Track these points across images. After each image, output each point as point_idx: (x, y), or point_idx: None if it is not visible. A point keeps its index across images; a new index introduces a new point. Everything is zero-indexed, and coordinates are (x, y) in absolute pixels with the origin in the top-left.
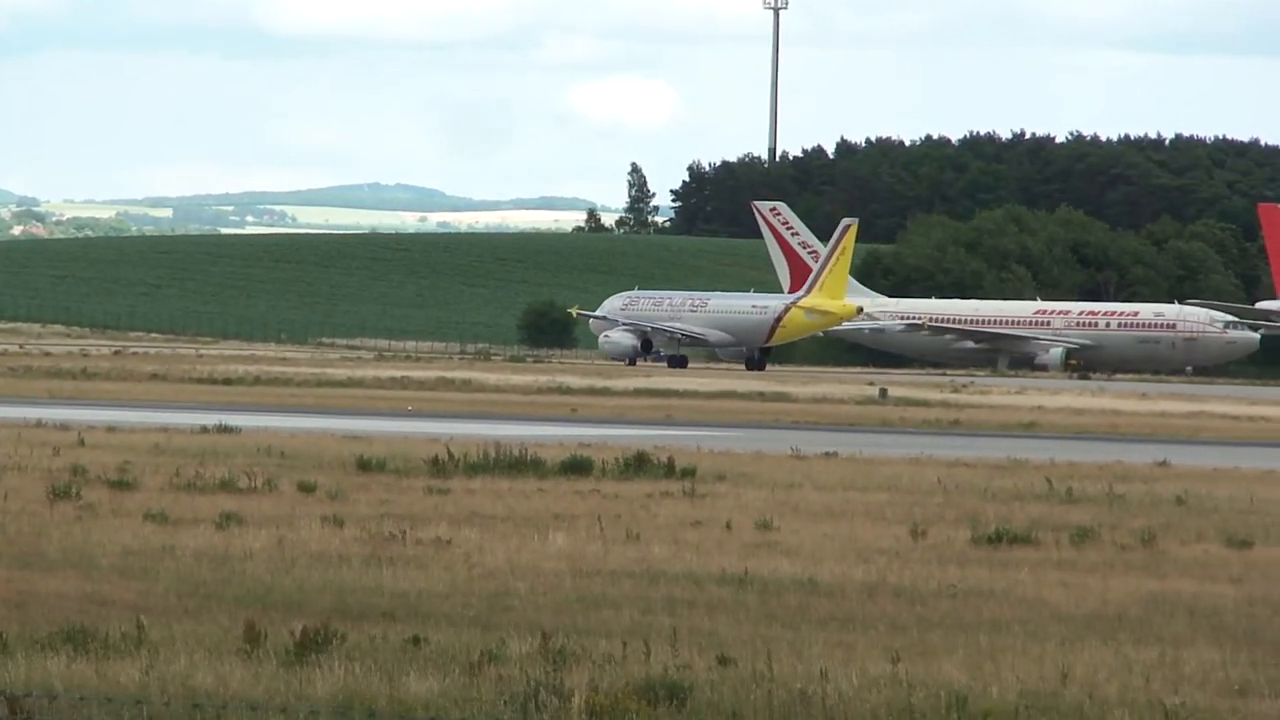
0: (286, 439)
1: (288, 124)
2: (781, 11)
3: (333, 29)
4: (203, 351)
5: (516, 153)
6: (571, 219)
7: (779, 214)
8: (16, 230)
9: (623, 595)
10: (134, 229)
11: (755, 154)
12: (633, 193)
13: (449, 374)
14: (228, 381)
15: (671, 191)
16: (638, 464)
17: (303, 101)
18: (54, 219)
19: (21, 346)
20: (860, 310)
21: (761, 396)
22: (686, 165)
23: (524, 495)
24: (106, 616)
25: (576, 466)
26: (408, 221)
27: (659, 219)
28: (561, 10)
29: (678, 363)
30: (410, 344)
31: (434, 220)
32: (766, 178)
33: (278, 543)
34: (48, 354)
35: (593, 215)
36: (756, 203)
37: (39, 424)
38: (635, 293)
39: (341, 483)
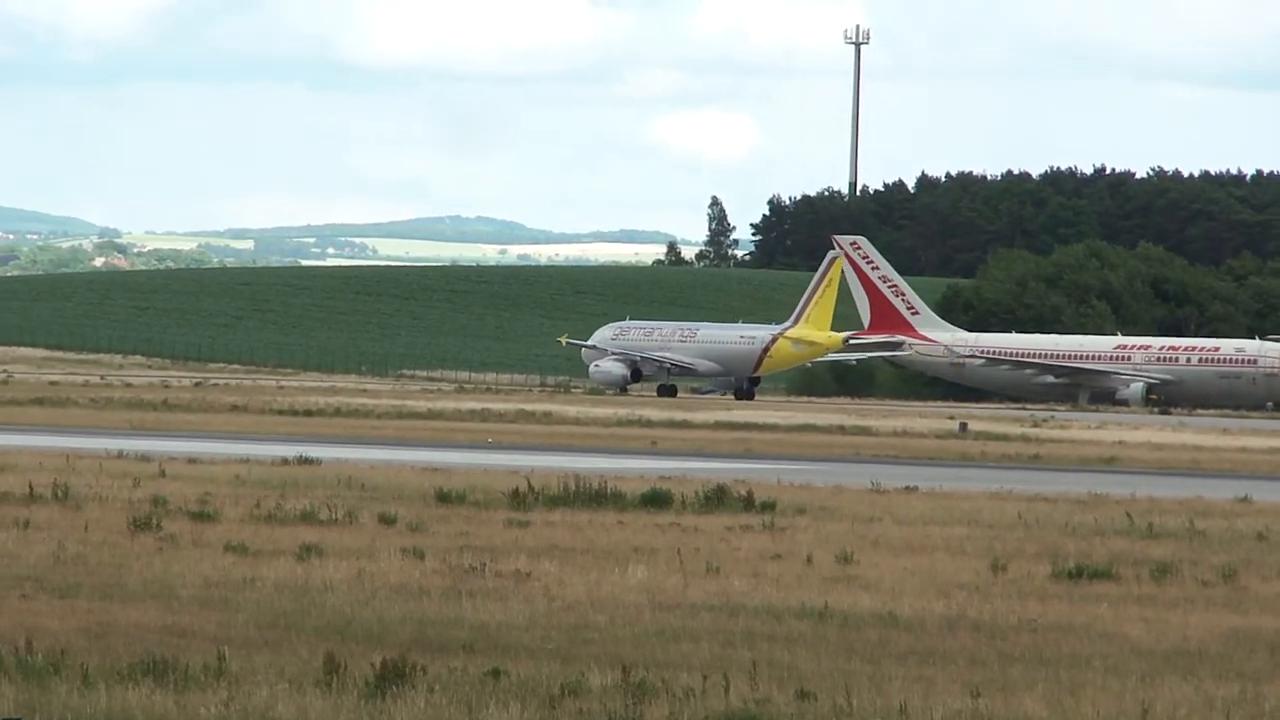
0: (367, 471)
1: (369, 156)
2: (863, 46)
3: (415, 61)
4: (283, 383)
5: (597, 185)
6: (652, 252)
7: (859, 248)
8: (98, 261)
9: (702, 628)
10: (215, 261)
11: (836, 188)
12: (713, 226)
13: (529, 406)
14: (308, 413)
15: (751, 225)
16: (718, 497)
17: (384, 133)
18: (135, 250)
19: (103, 377)
20: (846, 341)
21: (842, 430)
22: (767, 198)
23: (604, 528)
24: (187, 648)
25: (656, 499)
26: (488, 254)
27: (739, 252)
28: (643, 43)
29: (666, 392)
30: (490, 376)
31: (514, 253)
32: (847, 211)
33: (358, 574)
34: (129, 385)
35: (673, 248)
36: (837, 236)
37: (120, 455)
38: (626, 323)
39: (422, 515)
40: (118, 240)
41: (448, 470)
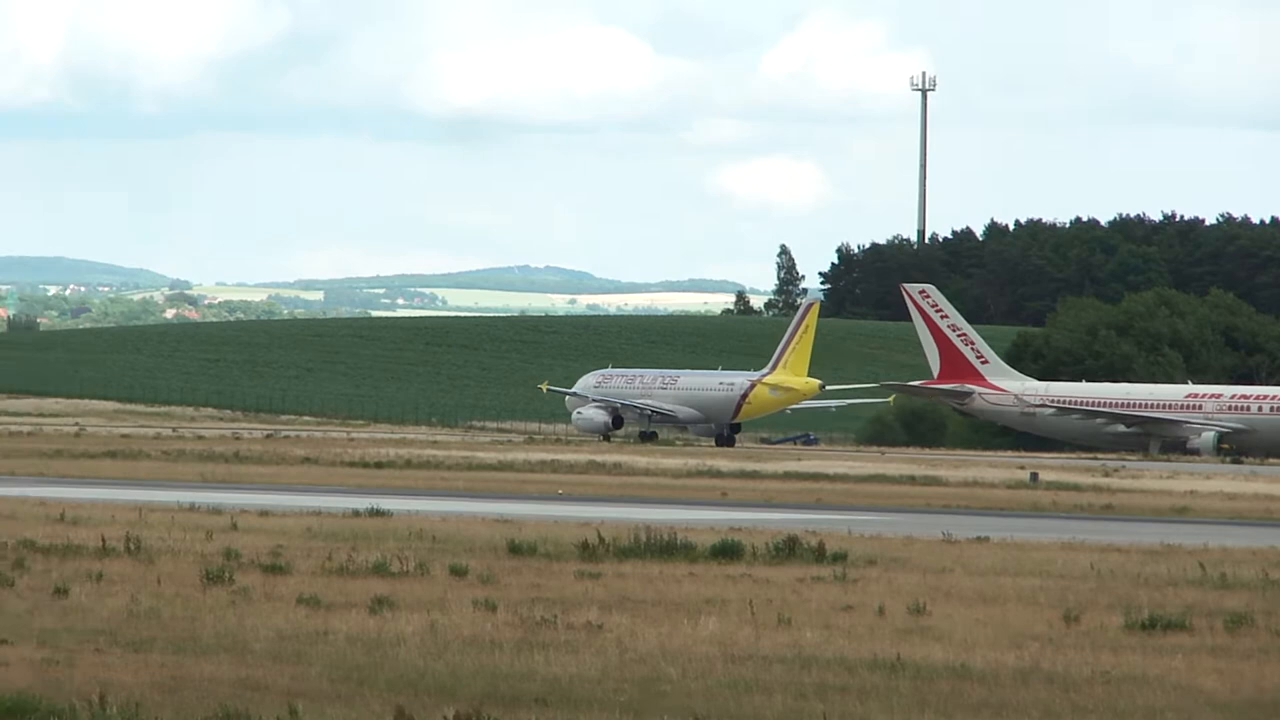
0: (438, 523)
1: (438, 207)
2: (929, 93)
3: (482, 111)
4: (354, 435)
5: (665, 235)
6: (720, 301)
7: (928, 296)
8: (169, 313)
9: (774, 680)
10: (285, 312)
11: (904, 235)
12: (781, 274)
13: (599, 457)
14: (379, 465)
15: (820, 273)
16: (789, 548)
17: (453, 184)
18: (206, 302)
19: (175, 430)
20: (823, 386)
21: (912, 480)
22: (835, 247)
23: (675, 580)
24: (260, 701)
25: (727, 551)
26: (557, 304)
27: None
28: (709, 92)
29: (647, 438)
30: (560, 427)
31: (583, 303)
32: (915, 259)
33: (430, 627)
34: (200, 437)
35: (741, 297)
36: (906, 285)
37: (192, 508)
38: (609, 370)
39: (493, 567)
40: (188, 292)
41: (518, 522)
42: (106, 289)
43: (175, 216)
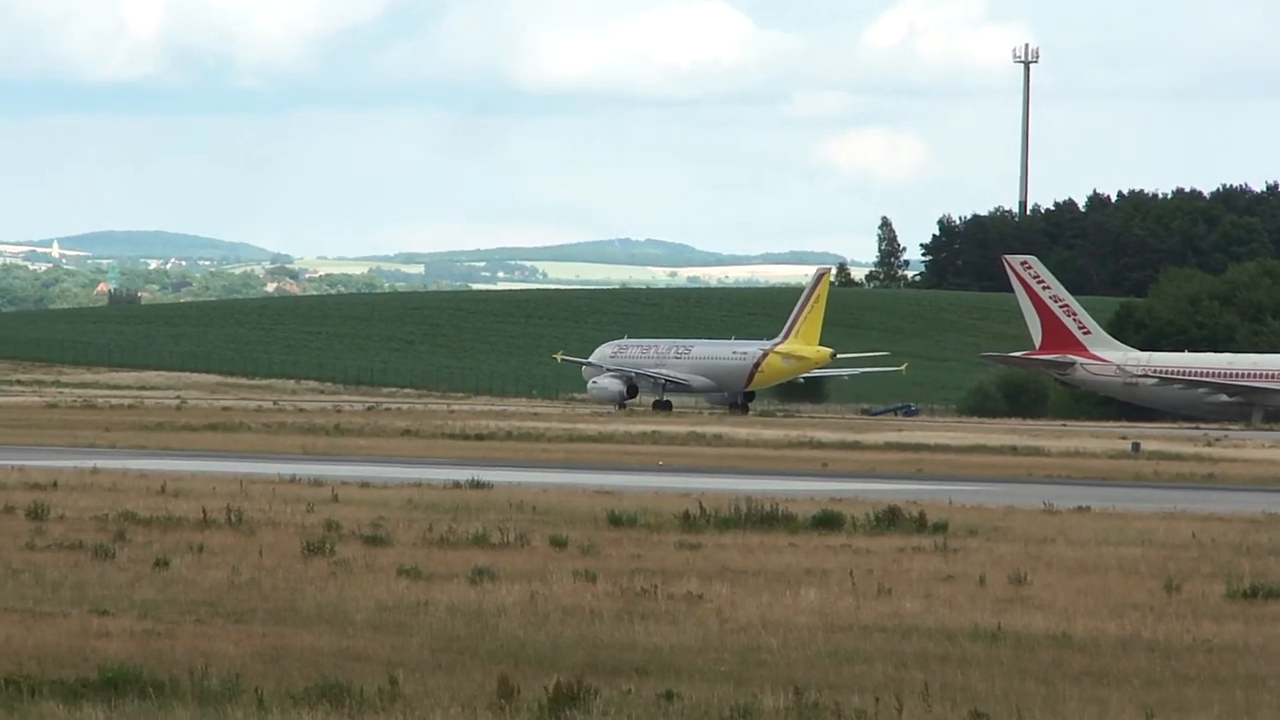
0: (538, 494)
1: (539, 180)
2: (1032, 65)
3: (583, 85)
4: (454, 407)
5: (766, 207)
6: None
7: (1030, 268)
8: (270, 287)
9: (875, 650)
10: (386, 285)
11: (1006, 207)
12: (883, 246)
13: (700, 428)
14: (480, 437)
15: (922, 245)
16: (889, 519)
17: (554, 157)
18: (307, 276)
19: (275, 403)
20: (833, 355)
21: (1014, 451)
22: (937, 219)
23: (775, 550)
24: (361, 672)
25: (828, 521)
26: (658, 277)
27: (909, 273)
28: (811, 65)
29: (662, 406)
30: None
31: (684, 275)
32: (1017, 231)
33: (530, 598)
34: (301, 410)
35: (843, 269)
36: (1007, 256)
37: (293, 480)
38: (625, 340)
39: (593, 538)
40: (289, 266)
41: (619, 493)
42: (207, 263)
43: (276, 190)
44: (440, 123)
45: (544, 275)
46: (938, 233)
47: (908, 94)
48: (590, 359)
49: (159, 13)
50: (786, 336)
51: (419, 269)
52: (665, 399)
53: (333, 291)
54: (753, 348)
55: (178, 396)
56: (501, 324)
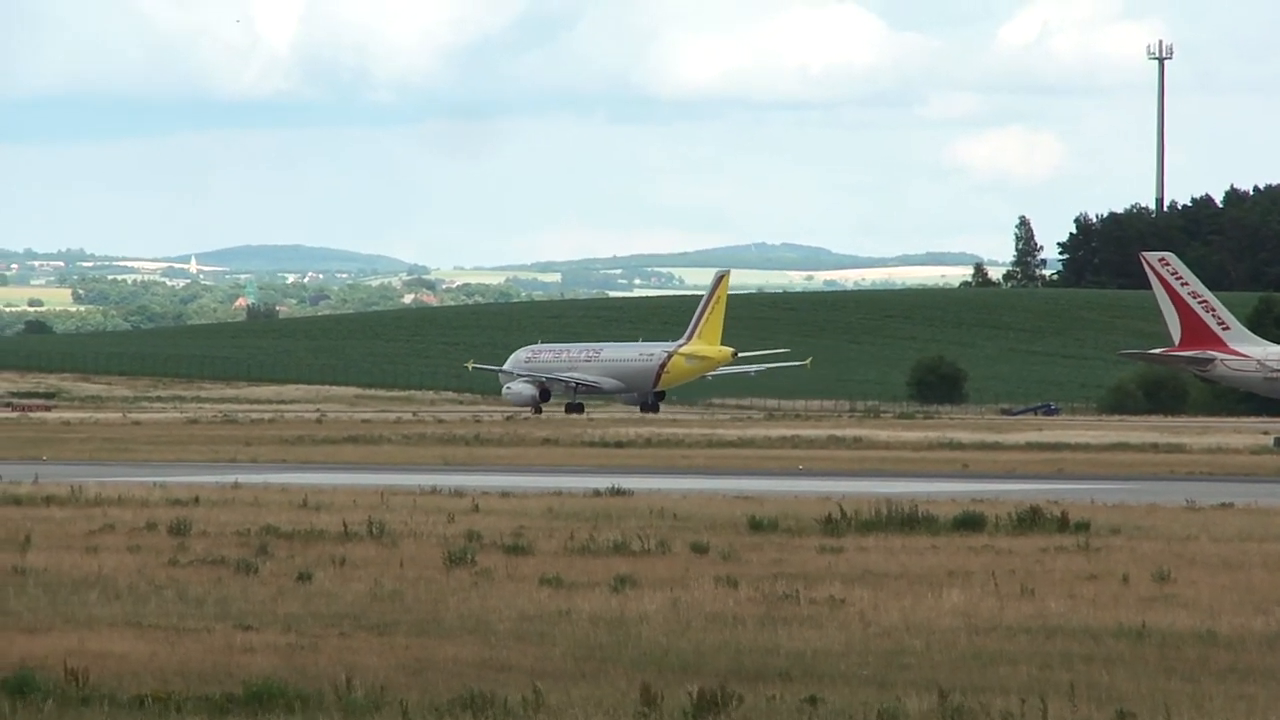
0: (678, 500)
1: (674, 186)
2: (1166, 61)
3: (716, 90)
4: (593, 415)
5: (902, 209)
6: (958, 274)
7: (1168, 264)
8: (408, 299)
9: (1019, 651)
10: (522, 294)
11: (1142, 204)
12: (1020, 246)
13: (839, 432)
14: (619, 444)
15: (1059, 244)
16: (1031, 519)
17: (688, 163)
18: (444, 287)
19: (415, 414)
20: (735, 354)
21: (1155, 448)
22: (1073, 217)
23: (917, 552)
24: (504, 682)
25: (969, 522)
26: (794, 280)
27: (1047, 272)
28: (944, 65)
29: (574, 409)
30: (799, 403)
31: (820, 278)
32: (1154, 228)
33: (672, 604)
34: (440, 421)
35: (980, 269)
36: (1145, 253)
37: (434, 491)
38: (539, 345)
39: (734, 543)
40: (426, 277)
41: (759, 498)
42: (345, 276)
43: (412, 202)
44: (574, 131)
45: (680, 281)
46: (1074, 231)
47: (1042, 92)
48: (505, 365)
49: (293, 27)
50: (690, 338)
51: (556, 277)
52: (577, 401)
53: (470, 301)
54: (658, 349)
55: (317, 410)
56: (639, 331)
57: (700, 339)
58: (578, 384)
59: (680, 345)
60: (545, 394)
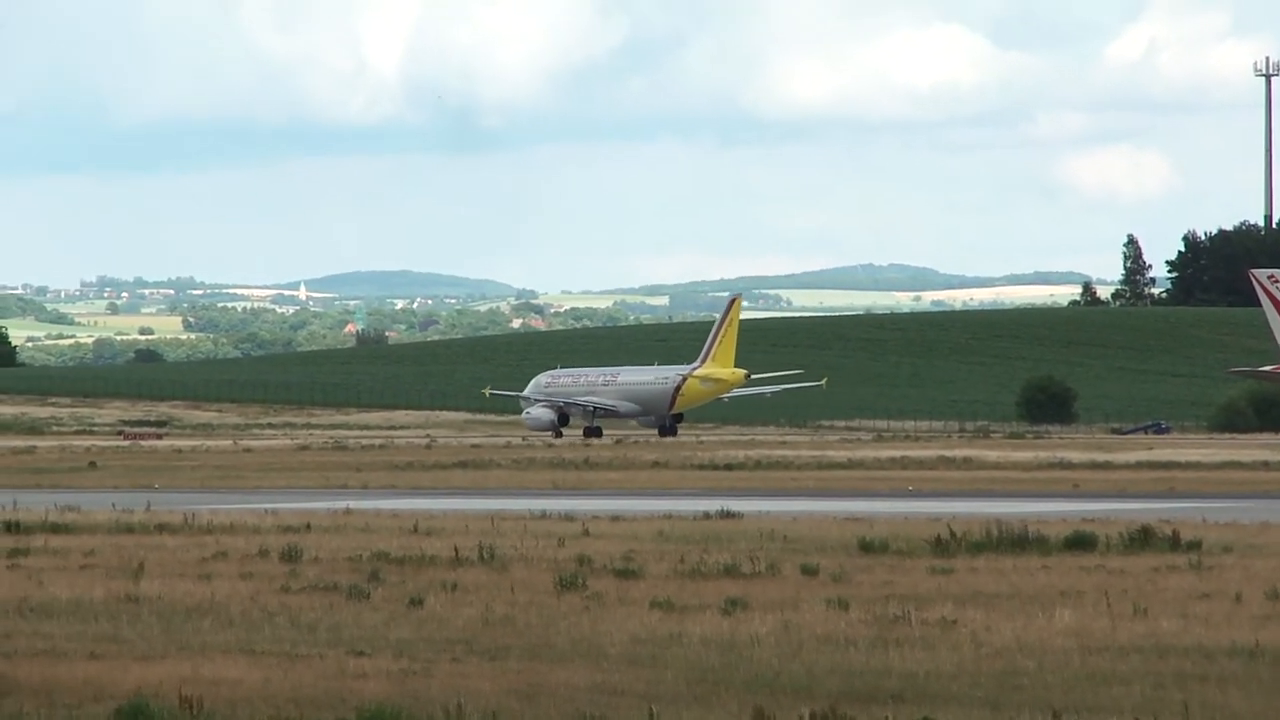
0: (788, 523)
1: (781, 208)
2: (1274, 78)
3: (823, 112)
4: (702, 438)
5: (1009, 228)
6: (1067, 293)
7: (1277, 281)
8: (516, 323)
9: (1132, 671)
10: (630, 318)
11: (1251, 221)
12: (1128, 264)
13: (948, 452)
14: (729, 467)
15: (1167, 262)
16: (1142, 538)
17: (796, 185)
18: (552, 311)
19: (524, 439)
20: (748, 376)
21: (1266, 466)
22: (1182, 235)
23: (1028, 572)
24: (616, 706)
25: (1080, 542)
26: (902, 301)
27: (1155, 290)
28: (1052, 85)
29: (592, 433)
30: (909, 423)
31: (928, 299)
32: (1263, 244)
33: (783, 627)
34: (550, 445)
35: (1088, 289)
36: (1254, 270)
37: (544, 515)
38: (558, 370)
39: (844, 565)
40: (534, 301)
41: (869, 519)
42: (453, 301)
43: (519, 227)
44: (681, 154)
45: (788, 303)
46: (1183, 249)
47: (1150, 110)
48: (526, 390)
49: (400, 54)
50: (704, 361)
51: (664, 300)
52: (595, 425)
53: (578, 326)
54: (673, 373)
55: (427, 435)
56: (748, 353)
57: (714, 361)
58: (595, 408)
59: (694, 368)
60: (564, 418)
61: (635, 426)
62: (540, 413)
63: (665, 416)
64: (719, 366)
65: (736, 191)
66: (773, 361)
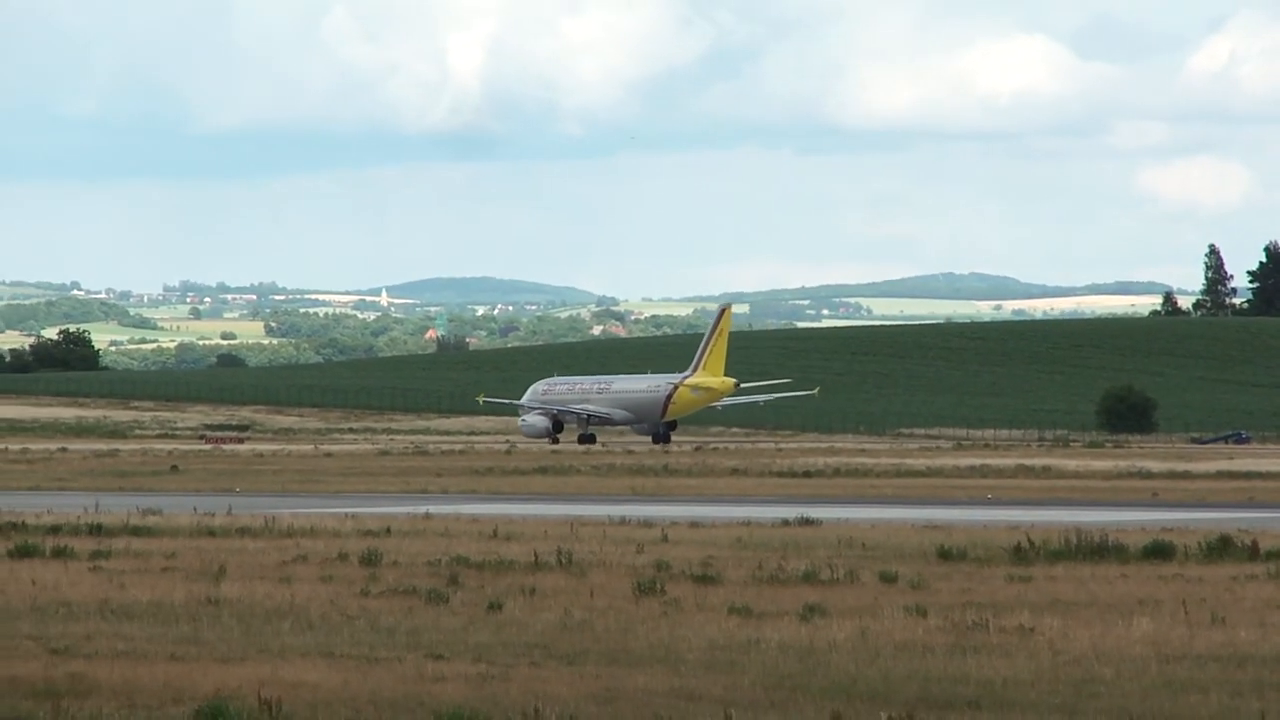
0: (867, 530)
1: (861, 216)
2: None
3: (903, 121)
4: (782, 445)
5: (1090, 238)
6: (1148, 303)
7: None
8: (596, 330)
9: (1210, 680)
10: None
11: None
12: (1209, 274)
13: (1028, 461)
14: (808, 474)
15: (1248, 272)
16: (1221, 547)
17: (876, 194)
18: (632, 318)
19: (604, 445)
20: (738, 384)
21: None
22: (1263, 245)
23: (1106, 581)
24: (694, 711)
25: (1159, 551)
26: (982, 310)
27: (1237, 300)
28: (1131, 94)
29: (586, 440)
30: (988, 432)
31: (1008, 308)
32: None
33: (861, 633)
34: (630, 451)
35: (1169, 298)
36: None
37: (623, 521)
38: (553, 379)
39: (923, 572)
40: (615, 308)
41: (948, 527)
42: (534, 307)
43: (600, 234)
44: (762, 162)
45: (869, 311)
46: (1264, 259)
47: (1230, 120)
48: (523, 398)
49: (481, 62)
50: (695, 370)
51: (744, 308)
52: (589, 433)
53: (658, 333)
54: (664, 381)
55: (507, 440)
56: (827, 361)
57: (704, 370)
58: (589, 416)
59: (685, 377)
60: (558, 425)
61: (628, 434)
62: (535, 420)
63: (658, 424)
64: (709, 375)
65: (816, 200)
66: (853, 368)
